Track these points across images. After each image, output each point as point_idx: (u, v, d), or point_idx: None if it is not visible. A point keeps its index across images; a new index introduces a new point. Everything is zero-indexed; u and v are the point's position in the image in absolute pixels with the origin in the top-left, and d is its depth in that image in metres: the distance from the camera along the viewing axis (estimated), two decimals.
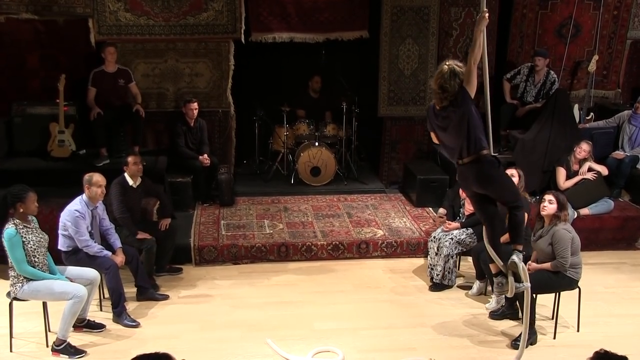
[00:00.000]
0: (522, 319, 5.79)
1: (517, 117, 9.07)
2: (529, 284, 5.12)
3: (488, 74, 5.03)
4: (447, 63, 4.84)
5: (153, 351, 2.75)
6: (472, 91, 4.81)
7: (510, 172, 6.33)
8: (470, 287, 6.78)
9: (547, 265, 5.69)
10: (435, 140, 5.18)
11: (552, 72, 9.00)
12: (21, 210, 5.35)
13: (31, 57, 8.72)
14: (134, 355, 2.68)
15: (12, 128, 8.52)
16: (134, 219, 6.70)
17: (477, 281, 6.70)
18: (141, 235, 6.60)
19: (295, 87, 9.96)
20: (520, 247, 5.08)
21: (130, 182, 6.73)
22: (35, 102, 8.54)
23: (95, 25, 8.45)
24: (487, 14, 4.79)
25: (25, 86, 8.77)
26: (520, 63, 9.25)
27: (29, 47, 8.67)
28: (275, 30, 9.09)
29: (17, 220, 5.34)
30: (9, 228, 5.28)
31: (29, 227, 5.40)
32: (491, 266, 5.34)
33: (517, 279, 5.04)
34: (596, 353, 3.20)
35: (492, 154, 5.01)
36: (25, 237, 5.31)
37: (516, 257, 4.99)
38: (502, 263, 5.09)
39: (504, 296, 6.21)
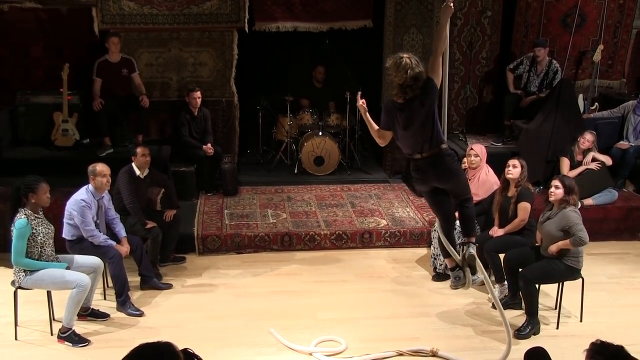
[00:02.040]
0: (525, 309, 5.83)
1: (521, 108, 9.06)
2: (484, 276, 5.17)
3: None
4: (404, 55, 4.69)
5: (156, 340, 2.75)
6: (438, 81, 4.76)
7: (513, 162, 6.31)
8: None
9: (566, 242, 5.63)
10: (382, 142, 5.07)
11: (554, 62, 8.96)
12: (33, 200, 5.36)
13: (35, 47, 8.72)
14: (137, 344, 2.69)
15: (16, 117, 8.54)
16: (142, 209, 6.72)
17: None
18: (150, 224, 6.62)
19: (299, 76, 9.94)
20: (474, 239, 5.09)
21: (138, 172, 6.74)
22: (39, 92, 8.55)
23: (98, 14, 8.44)
24: (451, 3, 4.75)
25: (29, 75, 8.78)
26: (525, 53, 9.22)
27: (32, 36, 8.66)
28: (279, 20, 9.07)
29: (29, 211, 5.35)
30: (21, 218, 5.29)
31: (39, 218, 5.42)
32: (447, 261, 5.34)
33: (473, 272, 5.03)
34: (592, 344, 3.21)
35: (449, 147, 4.98)
36: (35, 229, 5.34)
37: (472, 250, 5.00)
38: (459, 257, 5.09)
39: (506, 286, 6.24)
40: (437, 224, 5.23)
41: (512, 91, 9.10)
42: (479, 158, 6.78)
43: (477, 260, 5.04)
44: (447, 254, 5.23)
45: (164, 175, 7.34)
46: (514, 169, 6.29)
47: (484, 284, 5.61)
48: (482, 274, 5.18)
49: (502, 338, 5.67)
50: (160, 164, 7.78)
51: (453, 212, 5.14)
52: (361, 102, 5.06)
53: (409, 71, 4.63)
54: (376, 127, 5.04)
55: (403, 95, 4.73)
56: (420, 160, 4.85)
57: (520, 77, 9.10)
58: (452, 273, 5.24)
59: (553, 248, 5.68)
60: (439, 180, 4.93)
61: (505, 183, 6.35)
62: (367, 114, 5.04)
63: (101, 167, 5.97)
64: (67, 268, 5.52)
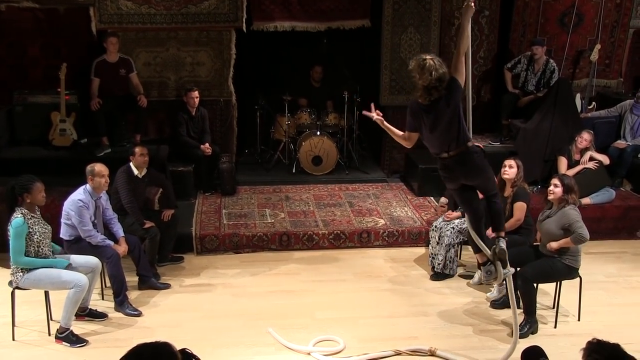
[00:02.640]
0: (523, 308, 5.83)
1: (519, 107, 9.06)
2: (513, 270, 5.20)
3: (471, 63, 5.02)
4: (426, 57, 4.73)
5: (154, 340, 2.75)
6: (462, 80, 4.80)
7: (509, 162, 6.33)
8: (471, 277, 6.79)
9: (567, 240, 5.65)
10: (409, 144, 5.10)
11: (551, 61, 8.98)
12: (28, 200, 5.36)
13: (32, 46, 8.70)
14: (135, 344, 2.69)
15: (14, 117, 8.53)
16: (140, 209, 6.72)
17: (479, 271, 6.70)
18: (148, 224, 6.62)
19: (296, 76, 9.94)
20: (503, 234, 5.11)
21: (136, 172, 6.73)
22: (36, 91, 8.53)
23: (96, 14, 8.43)
24: (472, 3, 4.80)
25: (27, 75, 8.76)
26: (523, 52, 9.23)
27: (29, 36, 8.65)
28: (276, 19, 9.06)
29: (25, 210, 5.35)
30: (18, 217, 5.29)
31: (36, 218, 5.42)
32: (477, 256, 5.37)
33: (504, 265, 5.07)
34: (589, 343, 3.22)
35: (476, 144, 5.01)
36: (32, 228, 5.33)
37: (503, 244, 5.02)
38: (489, 251, 5.11)
39: (504, 285, 6.24)
40: (466, 221, 5.26)
41: (510, 90, 9.11)
42: None
43: (507, 254, 5.07)
44: (477, 249, 5.27)
45: (162, 175, 7.34)
46: (510, 170, 6.30)
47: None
48: (512, 268, 5.21)
49: (500, 337, 5.69)
50: (158, 163, 7.78)
51: (480, 207, 5.16)
52: (376, 114, 5.11)
53: (433, 72, 4.66)
54: (399, 132, 5.11)
55: (428, 97, 4.76)
56: (448, 158, 4.89)
57: (518, 77, 9.11)
58: (483, 268, 5.26)
59: (553, 244, 5.68)
60: (467, 178, 4.97)
61: (501, 183, 6.36)
62: (385, 122, 5.11)
63: (100, 168, 5.96)
64: (69, 265, 5.52)
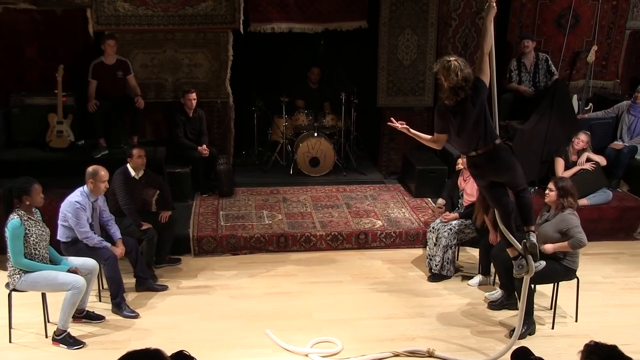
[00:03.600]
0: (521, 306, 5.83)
1: (529, 99, 8.98)
2: (544, 263, 5.30)
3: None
4: (450, 58, 4.81)
5: (150, 344, 2.73)
6: (487, 80, 4.89)
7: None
8: (469, 277, 6.80)
9: (564, 244, 5.66)
10: (438, 146, 5.21)
11: (540, 54, 9.02)
12: (27, 202, 5.36)
13: (29, 48, 8.68)
14: (132, 346, 2.69)
15: (11, 119, 8.51)
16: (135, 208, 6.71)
17: (480, 275, 6.71)
18: (145, 225, 6.61)
19: (294, 77, 9.94)
20: (533, 228, 5.19)
21: (133, 173, 6.73)
22: (33, 93, 8.51)
23: (93, 16, 8.42)
24: (494, 2, 4.91)
25: (24, 77, 8.75)
26: (519, 51, 9.22)
27: (26, 38, 8.63)
28: (274, 21, 9.05)
29: (22, 212, 5.34)
30: (14, 219, 5.28)
31: (32, 220, 5.41)
32: (509, 251, 5.39)
33: (535, 259, 5.14)
34: (586, 346, 3.23)
35: (504, 141, 5.08)
36: (28, 230, 5.32)
37: (533, 238, 5.10)
38: (520, 246, 5.14)
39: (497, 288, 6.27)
40: (497, 216, 5.29)
41: (525, 91, 9.05)
42: None
43: (538, 248, 5.13)
44: (508, 244, 5.29)
45: (159, 177, 7.33)
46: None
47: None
48: (543, 262, 5.31)
49: (498, 338, 5.69)
50: (155, 165, 7.77)
51: (509, 201, 5.21)
52: (400, 124, 5.22)
53: (458, 73, 4.73)
54: (426, 136, 5.19)
55: (455, 97, 4.81)
56: (476, 156, 4.97)
57: (511, 79, 9.12)
58: (515, 262, 5.28)
59: (549, 248, 5.70)
60: (496, 175, 5.04)
61: None
62: (411, 130, 5.20)
63: (103, 173, 5.93)
64: (70, 269, 5.52)
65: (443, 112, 4.97)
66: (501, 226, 5.23)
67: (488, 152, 4.93)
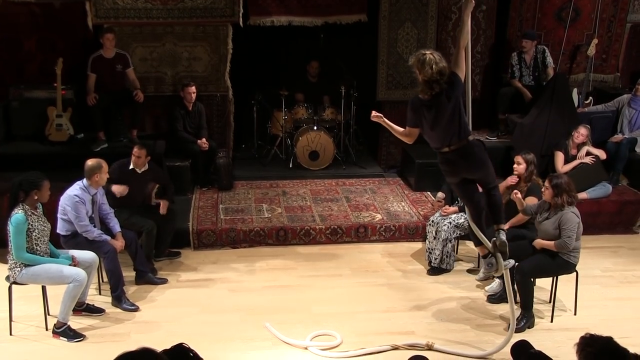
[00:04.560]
0: (520, 302, 5.85)
1: (528, 102, 8.96)
2: (513, 261, 5.22)
3: (471, 58, 5.06)
4: (426, 52, 4.77)
5: (140, 345, 2.70)
6: (462, 75, 4.82)
7: (517, 159, 6.40)
8: (470, 271, 6.82)
9: (550, 243, 5.68)
10: (410, 140, 5.10)
11: (539, 47, 8.99)
12: (36, 197, 5.39)
13: (28, 41, 8.66)
14: (132, 339, 2.69)
15: (10, 112, 8.50)
16: (135, 203, 6.71)
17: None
18: (115, 188, 6.48)
19: (293, 71, 9.93)
20: (504, 226, 5.13)
21: (132, 165, 6.72)
22: (32, 86, 8.50)
23: (92, 9, 8.39)
24: None
25: (23, 70, 8.73)
26: (520, 46, 9.21)
27: (25, 31, 8.62)
28: (273, 14, 9.03)
29: (27, 207, 5.35)
30: (19, 213, 5.28)
31: (36, 215, 5.42)
32: (479, 249, 5.41)
33: (504, 257, 5.09)
34: (582, 338, 3.23)
35: (477, 137, 5.03)
36: (31, 225, 5.34)
37: (503, 236, 5.04)
38: (490, 244, 5.12)
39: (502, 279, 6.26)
40: (467, 214, 5.28)
41: (527, 100, 8.99)
42: None
43: (507, 246, 5.09)
44: (478, 242, 5.29)
45: (164, 175, 7.28)
46: (518, 166, 6.35)
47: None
48: (512, 260, 5.24)
49: (497, 331, 5.70)
50: (155, 159, 7.75)
51: (481, 199, 5.18)
52: (375, 115, 5.15)
53: (433, 66, 4.69)
54: (399, 128, 5.12)
55: (430, 91, 4.77)
56: (449, 152, 4.91)
57: (513, 74, 9.10)
58: (484, 260, 5.29)
59: (538, 244, 5.73)
60: (468, 171, 5.00)
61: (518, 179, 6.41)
62: (385, 120, 5.14)
63: (105, 165, 5.98)
64: (73, 262, 5.53)
65: (417, 106, 4.90)
66: (471, 224, 5.20)
67: (461, 148, 4.86)
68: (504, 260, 5.09)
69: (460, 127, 4.82)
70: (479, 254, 6.84)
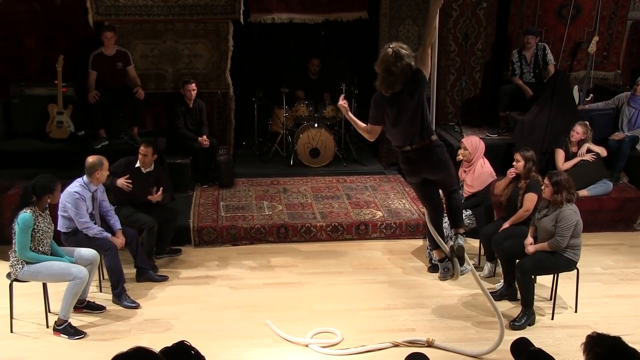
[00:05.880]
0: (520, 300, 5.85)
1: (529, 98, 8.95)
2: (471, 266, 5.16)
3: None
4: (390, 46, 4.64)
5: (132, 346, 2.69)
6: (427, 73, 4.74)
7: (516, 157, 6.39)
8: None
9: (544, 245, 5.70)
10: (371, 137, 5.00)
11: (539, 44, 8.98)
12: (49, 200, 5.43)
13: (29, 38, 8.67)
14: (133, 336, 2.68)
15: (10, 109, 8.51)
16: (139, 202, 6.69)
17: (487, 263, 6.71)
18: (120, 182, 6.50)
19: (294, 68, 9.92)
20: (462, 230, 5.10)
21: (138, 164, 6.71)
22: (33, 83, 8.52)
23: (93, 6, 8.38)
24: None
25: (23, 67, 8.74)
26: (520, 43, 9.20)
27: (26, 28, 8.62)
28: (274, 11, 9.03)
29: (36, 208, 5.37)
30: (27, 212, 5.30)
31: (43, 216, 5.43)
32: (435, 253, 5.34)
33: (462, 262, 5.05)
34: (589, 337, 3.18)
35: (438, 138, 4.97)
36: (37, 226, 5.36)
37: (461, 241, 5.01)
38: (447, 248, 5.10)
39: (502, 279, 6.26)
40: (425, 215, 5.23)
41: (528, 97, 8.98)
42: (468, 151, 6.80)
43: (465, 251, 5.07)
44: (435, 245, 5.24)
45: (166, 179, 7.24)
46: (517, 164, 6.35)
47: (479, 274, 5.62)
48: (469, 265, 5.19)
49: (497, 329, 5.68)
50: (156, 157, 7.76)
51: (440, 201, 5.14)
52: (342, 102, 5.03)
53: (384, 64, 4.60)
54: (362, 124, 5.00)
55: (389, 88, 4.67)
56: (411, 152, 4.84)
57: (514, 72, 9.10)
58: (440, 264, 5.25)
59: (531, 249, 5.74)
60: (430, 172, 4.92)
61: (516, 175, 6.40)
62: (349, 112, 5.02)
63: (105, 162, 5.99)
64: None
65: (379, 103, 4.80)
66: (430, 227, 5.14)
67: (423, 147, 4.77)
68: (461, 265, 5.05)
69: (422, 126, 4.73)
70: (479, 251, 6.86)
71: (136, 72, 8.44)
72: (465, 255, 5.09)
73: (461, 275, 5.14)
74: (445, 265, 5.15)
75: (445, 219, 5.50)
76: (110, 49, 8.20)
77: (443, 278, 5.25)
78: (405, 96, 4.68)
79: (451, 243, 5.08)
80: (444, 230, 6.44)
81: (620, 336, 3.19)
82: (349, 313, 5.94)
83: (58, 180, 5.52)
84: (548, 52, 8.98)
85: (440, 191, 5.19)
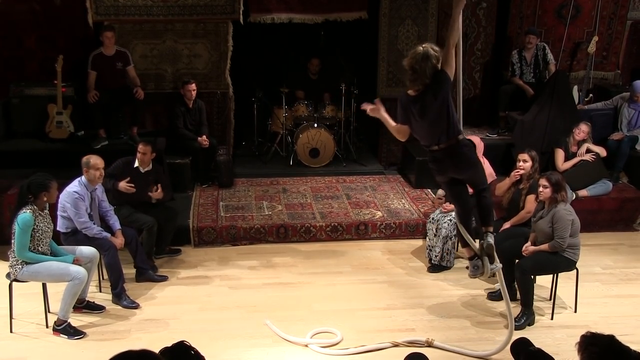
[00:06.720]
0: (520, 300, 5.85)
1: (530, 98, 8.95)
2: (501, 265, 5.14)
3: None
4: (423, 45, 4.72)
5: (134, 346, 2.68)
6: (452, 73, 4.76)
7: (523, 157, 6.34)
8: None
9: (544, 246, 5.71)
10: (402, 137, 5.01)
11: (539, 44, 8.98)
12: (45, 199, 5.42)
13: (28, 38, 8.67)
14: (133, 336, 2.68)
15: (10, 109, 8.51)
16: (138, 201, 6.69)
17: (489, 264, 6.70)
18: (122, 186, 6.52)
19: (294, 68, 9.92)
20: (492, 229, 5.08)
21: (136, 163, 6.71)
22: (33, 83, 8.51)
23: (92, 6, 8.38)
24: None
25: (23, 67, 8.73)
26: (520, 43, 9.20)
27: (26, 28, 8.61)
28: (273, 11, 9.03)
29: (35, 207, 5.37)
30: (27, 213, 5.30)
31: (42, 215, 5.43)
32: (465, 250, 5.33)
33: (491, 260, 5.05)
34: (583, 337, 3.18)
35: (466, 137, 4.99)
36: (36, 226, 5.36)
37: (491, 239, 5.00)
38: (477, 246, 5.10)
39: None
40: (454, 214, 5.23)
41: (529, 96, 8.97)
42: None
43: (494, 249, 5.05)
44: (465, 243, 5.23)
45: (166, 178, 7.25)
46: (525, 164, 6.32)
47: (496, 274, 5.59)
48: (498, 263, 5.18)
49: (497, 329, 5.71)
50: (155, 156, 7.76)
51: (469, 200, 5.15)
52: (371, 108, 5.02)
53: (410, 60, 4.67)
54: (393, 122, 5.04)
55: (414, 86, 4.73)
56: (438, 151, 4.86)
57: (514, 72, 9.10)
58: (470, 262, 5.23)
59: (531, 250, 5.74)
60: (457, 171, 4.94)
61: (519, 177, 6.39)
62: (382, 111, 5.01)
63: (95, 160, 5.95)
64: (75, 261, 5.53)
65: (404, 103, 4.85)
66: (459, 225, 5.16)
67: (450, 147, 4.79)
68: (491, 263, 5.06)
69: (448, 125, 4.75)
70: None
71: (136, 72, 8.43)
72: (495, 254, 5.09)
73: (490, 273, 5.12)
74: (475, 263, 5.15)
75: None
76: (110, 49, 8.20)
77: (473, 275, 5.25)
78: (429, 96, 4.72)
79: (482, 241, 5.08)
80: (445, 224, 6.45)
81: (618, 336, 3.19)
82: (348, 313, 5.94)
83: (53, 178, 5.50)
84: (548, 52, 8.99)
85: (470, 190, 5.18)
